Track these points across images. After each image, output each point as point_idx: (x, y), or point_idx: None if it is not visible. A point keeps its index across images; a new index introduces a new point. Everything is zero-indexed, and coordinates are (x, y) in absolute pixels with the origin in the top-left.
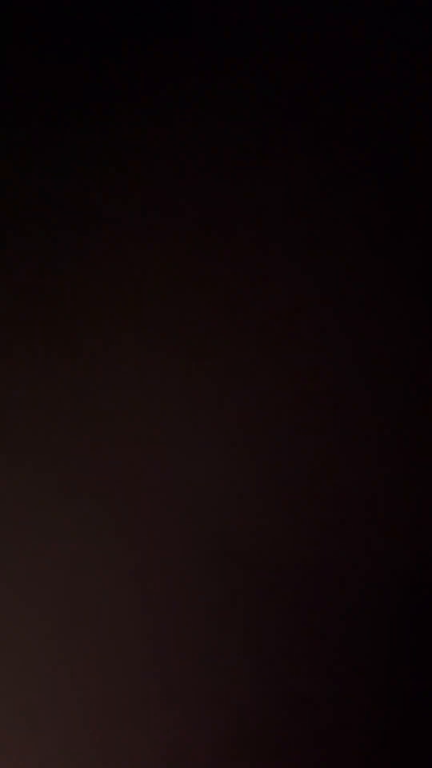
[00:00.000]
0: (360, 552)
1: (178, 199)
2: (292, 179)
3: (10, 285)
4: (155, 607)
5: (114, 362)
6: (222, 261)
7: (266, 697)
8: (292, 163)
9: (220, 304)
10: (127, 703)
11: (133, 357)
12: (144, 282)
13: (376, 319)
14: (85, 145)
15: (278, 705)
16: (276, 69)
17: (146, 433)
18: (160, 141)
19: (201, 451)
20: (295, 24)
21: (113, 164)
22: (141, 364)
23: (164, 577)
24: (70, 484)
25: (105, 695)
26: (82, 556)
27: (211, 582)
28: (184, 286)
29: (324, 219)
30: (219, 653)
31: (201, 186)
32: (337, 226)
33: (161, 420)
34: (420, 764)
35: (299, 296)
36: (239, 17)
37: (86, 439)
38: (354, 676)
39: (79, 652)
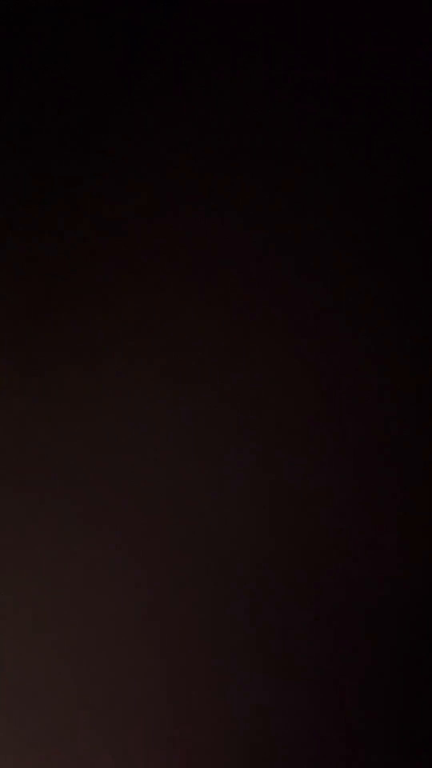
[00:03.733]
0: (361, 571)
1: (176, 198)
2: (293, 180)
3: (10, 297)
4: (159, 627)
5: (114, 384)
6: (223, 277)
7: (268, 712)
8: (293, 165)
9: (219, 318)
10: (131, 715)
11: (134, 376)
12: (145, 295)
13: (380, 334)
14: (85, 145)
15: (280, 720)
16: (277, 67)
17: (147, 452)
18: (161, 145)
19: (203, 470)
20: (296, 20)
21: (112, 170)
22: (141, 383)
23: (168, 598)
24: (73, 502)
25: (108, 712)
26: (87, 575)
27: (214, 601)
28: (184, 300)
29: (328, 229)
30: (223, 669)
31: (201, 188)
32: (343, 236)
33: (163, 439)
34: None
35: (301, 307)
36: (240, 14)
37: (89, 457)
38: (357, 693)
39: (84, 669)
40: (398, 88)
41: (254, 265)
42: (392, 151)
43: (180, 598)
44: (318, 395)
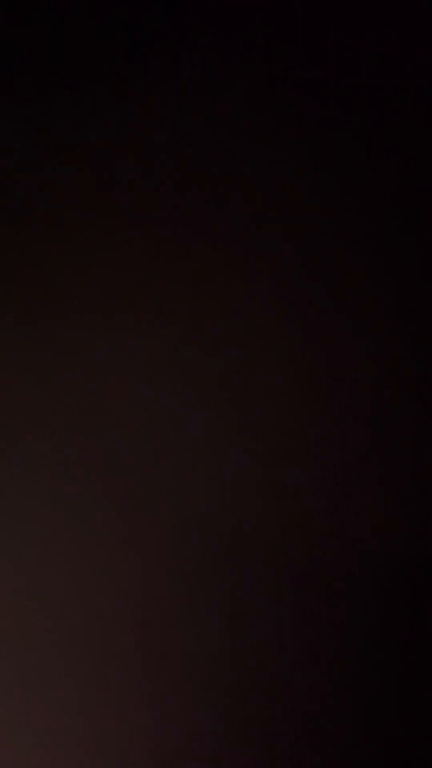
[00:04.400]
0: (362, 544)
1: (176, 198)
2: (293, 180)
3: (10, 271)
4: (158, 603)
5: (116, 360)
6: (222, 277)
7: (270, 688)
8: (293, 164)
9: (219, 318)
10: (127, 704)
11: (136, 352)
12: (146, 298)
13: (378, 314)
14: (83, 130)
15: (284, 702)
16: (277, 67)
17: (148, 431)
18: (160, 132)
19: (202, 445)
20: (296, 20)
21: (110, 155)
22: (143, 358)
23: (166, 576)
24: (70, 481)
25: (104, 698)
26: (85, 546)
27: (215, 578)
28: (184, 300)
29: (328, 229)
30: (221, 653)
31: (201, 187)
32: (343, 236)
33: (163, 417)
34: (419, 752)
35: (301, 307)
36: (239, 13)
37: (88, 436)
38: (360, 666)
39: (79, 654)
40: (398, 88)
41: (254, 265)
42: (392, 151)
43: (178, 569)
44: (318, 395)
